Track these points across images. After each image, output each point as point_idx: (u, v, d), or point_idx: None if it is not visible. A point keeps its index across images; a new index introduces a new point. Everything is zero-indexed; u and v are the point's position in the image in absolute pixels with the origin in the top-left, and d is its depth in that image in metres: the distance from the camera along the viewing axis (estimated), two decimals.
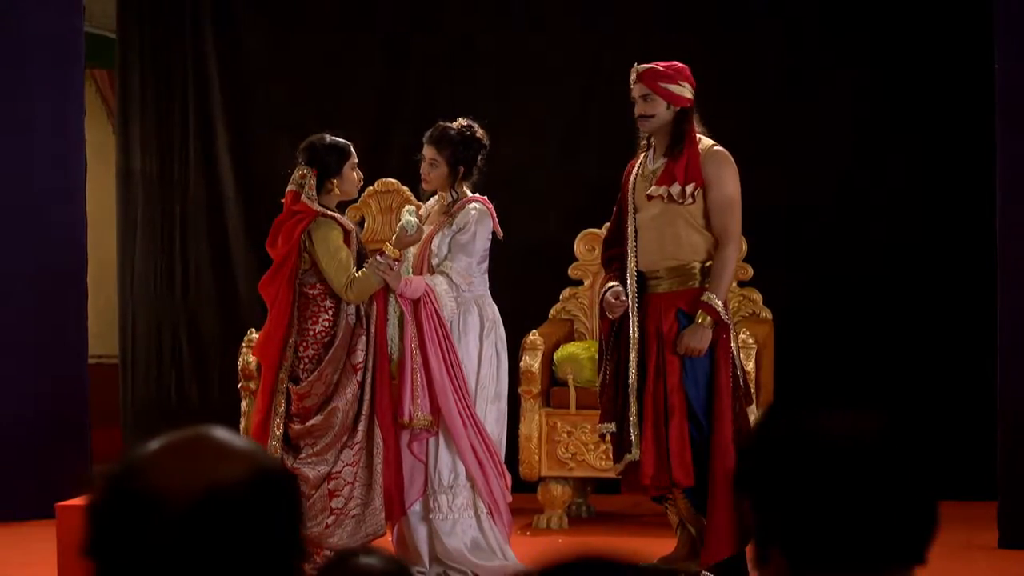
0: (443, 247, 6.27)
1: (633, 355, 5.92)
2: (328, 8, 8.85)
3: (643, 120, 6.00)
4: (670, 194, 5.91)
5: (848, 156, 8.16)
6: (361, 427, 6.05)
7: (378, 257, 6.09)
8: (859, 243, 8.12)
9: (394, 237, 6.22)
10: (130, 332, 9.08)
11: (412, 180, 8.35)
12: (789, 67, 8.25)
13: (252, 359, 7.65)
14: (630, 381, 5.94)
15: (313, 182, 6.11)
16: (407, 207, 6.45)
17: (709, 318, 5.79)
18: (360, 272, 6.06)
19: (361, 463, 6.05)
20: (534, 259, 8.16)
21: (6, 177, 7.66)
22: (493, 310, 6.35)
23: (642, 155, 6.12)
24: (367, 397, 6.07)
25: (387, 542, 6.20)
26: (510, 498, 6.34)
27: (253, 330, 7.83)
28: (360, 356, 6.06)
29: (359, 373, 6.06)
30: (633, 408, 5.91)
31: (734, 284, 7.20)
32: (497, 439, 6.31)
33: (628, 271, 5.99)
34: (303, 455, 6.00)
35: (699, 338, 5.79)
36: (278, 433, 6.05)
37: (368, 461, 6.06)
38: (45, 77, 7.74)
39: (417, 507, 6.19)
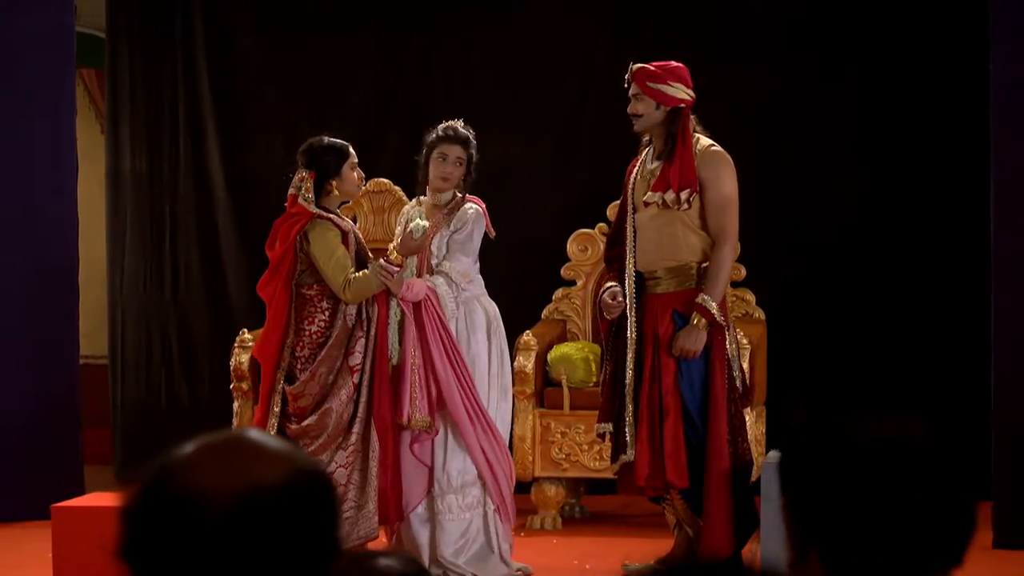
0: (442, 247, 6.28)
1: (630, 356, 5.93)
2: (320, 8, 8.83)
3: (634, 119, 6.05)
4: (664, 201, 5.92)
5: (842, 156, 8.17)
6: (356, 429, 6.04)
7: (381, 261, 6.08)
8: (853, 243, 8.13)
9: (398, 241, 6.20)
10: (119, 332, 9.05)
11: (405, 180, 8.34)
12: (784, 67, 8.24)
13: (244, 359, 7.63)
14: (627, 382, 5.95)
15: (311, 184, 6.12)
16: (419, 211, 6.37)
17: (704, 320, 5.79)
18: (360, 273, 6.05)
19: (355, 465, 6.03)
20: (527, 259, 8.15)
21: None
22: (494, 308, 6.37)
23: (643, 154, 6.12)
24: (363, 399, 6.06)
25: (379, 544, 6.17)
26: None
27: (245, 330, 7.81)
28: (358, 358, 6.05)
29: (355, 375, 6.05)
30: (630, 408, 5.92)
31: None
32: (505, 436, 6.33)
33: (627, 271, 6.00)
34: None
35: (693, 340, 5.80)
36: (273, 433, 6.04)
37: (363, 464, 6.04)
38: (37, 76, 7.71)
39: (420, 509, 6.17)
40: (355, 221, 8.32)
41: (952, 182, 7.98)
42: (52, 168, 7.78)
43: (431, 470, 6.17)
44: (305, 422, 6.04)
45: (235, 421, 7.70)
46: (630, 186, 6.14)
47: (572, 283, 8.05)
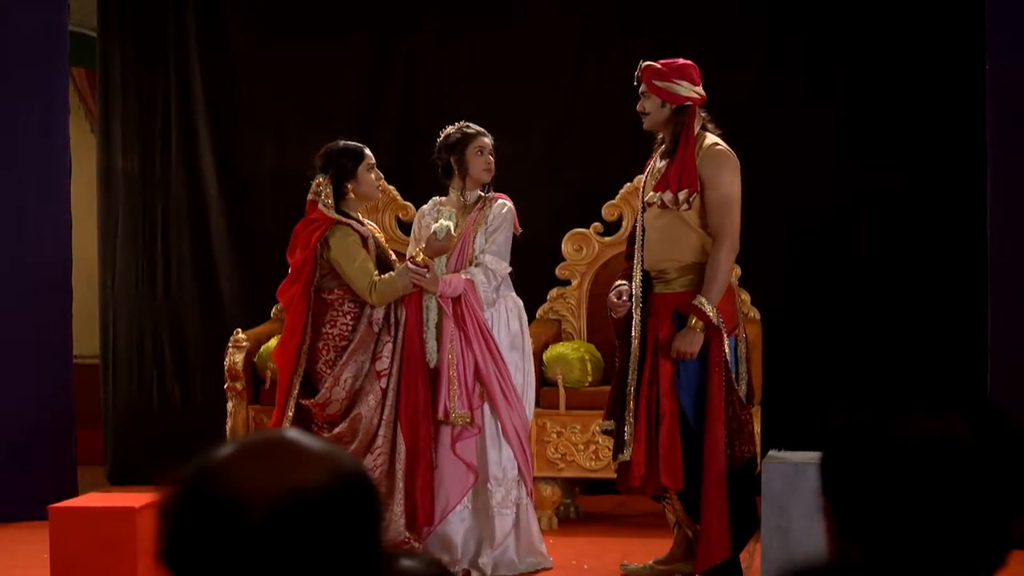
0: (483, 244, 6.31)
1: (634, 355, 5.93)
2: (313, 8, 8.81)
3: (642, 117, 6.03)
4: (663, 201, 5.91)
5: (838, 156, 8.17)
6: (382, 433, 6.02)
7: (408, 263, 6.05)
8: (848, 243, 8.13)
9: (424, 243, 6.17)
10: (111, 332, 9.02)
11: (397, 180, 8.33)
12: (777, 66, 8.25)
13: (239, 359, 7.62)
14: (628, 381, 5.95)
15: (329, 189, 6.10)
16: (450, 211, 6.33)
17: (700, 322, 5.77)
18: (386, 275, 6.05)
19: (382, 469, 6.01)
20: (521, 259, 8.10)
21: None
22: (520, 303, 6.49)
23: (656, 152, 6.12)
24: (389, 403, 6.04)
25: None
26: None
27: (239, 330, 7.80)
28: (385, 363, 6.04)
29: (383, 380, 6.04)
30: (631, 408, 5.92)
31: None
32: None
33: (634, 270, 6.00)
34: None
35: (689, 342, 5.77)
36: (290, 414, 6.05)
37: (390, 468, 6.02)
38: (29, 75, 7.68)
39: (459, 508, 6.14)
40: None
41: (949, 182, 7.98)
42: (45, 168, 7.75)
43: (472, 468, 6.13)
44: (336, 430, 6.02)
45: (229, 421, 7.68)
46: (642, 184, 6.15)
47: (567, 283, 8.04)
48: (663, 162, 5.99)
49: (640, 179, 6.47)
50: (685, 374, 5.82)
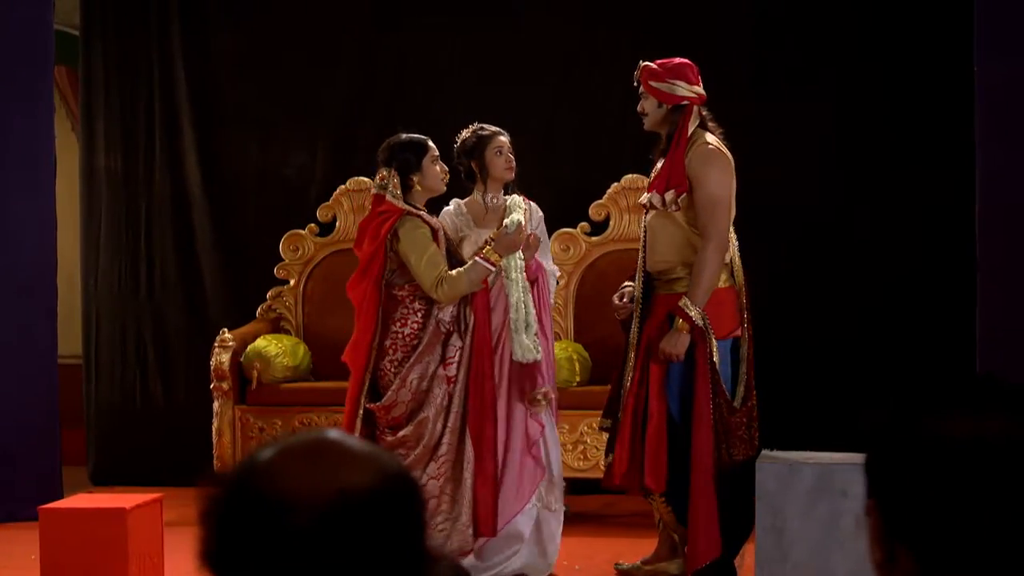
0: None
1: (631, 356, 5.93)
2: (297, 6, 8.78)
3: (642, 118, 6.01)
4: (651, 203, 5.92)
5: (826, 156, 8.18)
6: (446, 440, 5.90)
7: (478, 258, 5.94)
8: (837, 243, 8.14)
9: (493, 241, 6.01)
10: (94, 332, 8.98)
11: None
12: (767, 66, 8.25)
13: (225, 359, 7.60)
14: (624, 382, 5.95)
15: (397, 181, 5.97)
16: (518, 204, 6.22)
17: (685, 323, 5.76)
18: (454, 271, 5.91)
19: (447, 475, 5.90)
20: None
21: None
22: None
23: (657, 153, 6.11)
24: (455, 410, 5.91)
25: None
26: None
27: (225, 330, 7.78)
28: (454, 369, 5.93)
29: (451, 385, 5.92)
30: (623, 408, 5.93)
31: None
32: None
33: (637, 271, 6.01)
34: None
35: (674, 343, 5.75)
36: (360, 412, 5.95)
37: (456, 475, 5.91)
38: (13, 73, 7.63)
39: (527, 507, 6.09)
40: (335, 221, 8.31)
41: (937, 181, 8.00)
42: (30, 167, 7.70)
43: (542, 465, 6.09)
44: (401, 432, 5.92)
45: (215, 422, 7.67)
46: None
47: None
48: (660, 163, 5.99)
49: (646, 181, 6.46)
50: (672, 376, 5.82)
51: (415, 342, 5.94)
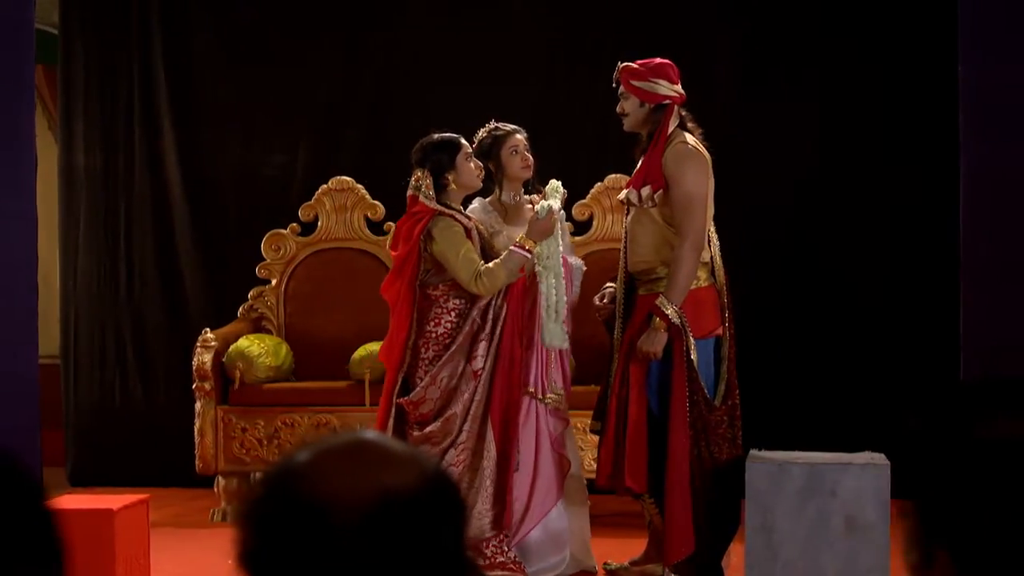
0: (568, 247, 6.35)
1: (615, 357, 5.94)
2: (278, 5, 8.75)
3: (622, 118, 6.01)
4: (628, 199, 5.93)
5: (812, 156, 8.20)
6: (467, 428, 5.92)
7: (512, 248, 5.94)
8: (820, 244, 8.17)
9: (527, 230, 6.01)
10: (72, 332, 8.93)
11: (366, 178, 8.30)
12: (752, 67, 8.27)
13: (207, 359, 7.56)
14: (610, 383, 5.96)
15: (430, 181, 5.97)
16: (555, 189, 6.18)
17: (662, 322, 5.77)
18: (491, 263, 5.92)
19: (466, 464, 5.92)
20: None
21: None
22: None
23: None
24: (478, 399, 5.94)
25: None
26: None
27: (208, 330, 7.75)
28: (479, 363, 5.94)
29: (478, 379, 5.94)
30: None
31: None
32: None
33: (619, 272, 6.02)
34: None
35: (651, 342, 5.76)
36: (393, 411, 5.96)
37: (475, 463, 5.93)
38: None
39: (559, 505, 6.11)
40: (316, 220, 8.28)
41: (920, 182, 8.03)
42: (10, 165, 7.63)
43: (567, 460, 6.12)
44: (428, 428, 5.93)
45: (197, 422, 7.63)
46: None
47: None
48: (640, 161, 6.00)
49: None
50: (652, 375, 5.83)
51: (448, 341, 5.97)
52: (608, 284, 6.10)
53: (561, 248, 6.10)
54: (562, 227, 6.18)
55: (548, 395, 6.06)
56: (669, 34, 8.12)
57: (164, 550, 6.35)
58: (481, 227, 6.16)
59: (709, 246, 5.94)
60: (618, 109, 6.00)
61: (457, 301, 5.99)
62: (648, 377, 5.82)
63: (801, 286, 8.14)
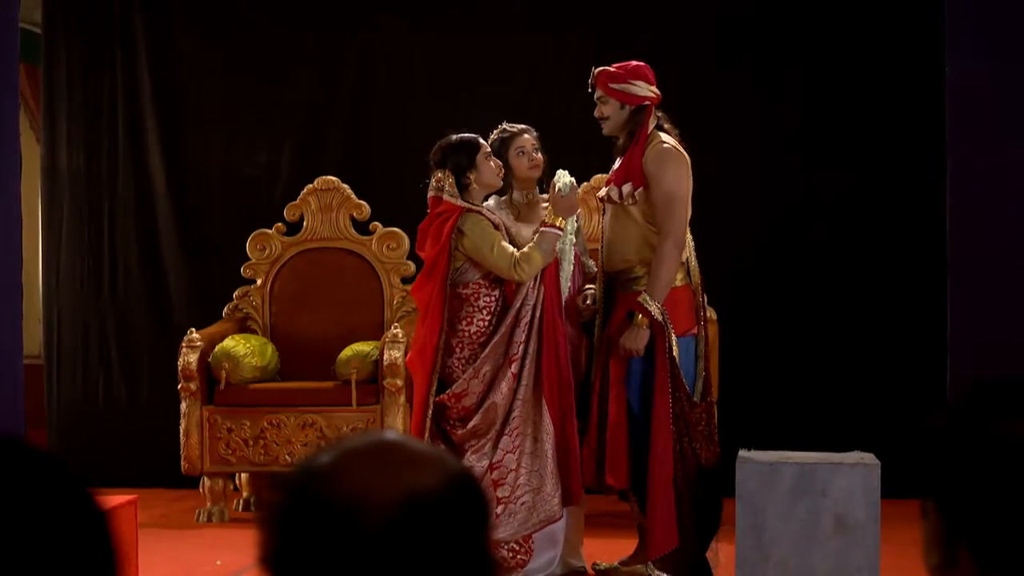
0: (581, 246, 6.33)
1: (596, 357, 5.96)
2: (262, 5, 8.74)
3: (602, 123, 6.03)
4: (609, 196, 5.96)
5: (797, 157, 8.21)
6: (517, 412, 5.90)
7: (541, 227, 5.95)
8: (807, 243, 8.18)
9: (551, 209, 6.02)
10: (55, 332, 8.90)
11: (351, 178, 8.29)
12: (737, 67, 8.28)
13: (193, 359, 7.54)
14: (590, 382, 5.98)
15: (452, 181, 5.97)
16: (564, 173, 6.18)
17: (644, 318, 5.79)
18: (525, 248, 5.92)
19: (523, 449, 5.90)
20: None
21: None
22: None
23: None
24: (524, 383, 5.91)
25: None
26: None
27: (193, 330, 7.72)
28: (516, 348, 5.92)
29: (514, 364, 5.91)
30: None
31: None
32: None
33: (598, 272, 6.05)
34: (465, 455, 5.86)
35: (633, 339, 5.80)
36: (428, 440, 5.89)
37: (533, 447, 5.90)
38: None
39: None
40: (302, 220, 8.26)
41: (908, 182, 8.05)
42: None
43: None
44: (471, 424, 5.91)
45: (183, 422, 7.61)
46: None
47: None
48: (618, 161, 6.03)
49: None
50: (632, 372, 5.85)
51: (483, 339, 5.95)
52: (588, 286, 6.12)
53: (576, 246, 6.12)
54: (578, 226, 6.17)
55: None
56: (651, 35, 8.13)
57: (151, 551, 6.33)
58: (506, 222, 6.16)
59: (686, 247, 5.96)
60: (596, 113, 6.03)
61: (488, 299, 5.98)
62: (629, 374, 5.85)
63: (789, 287, 8.15)
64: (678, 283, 5.92)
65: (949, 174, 6.96)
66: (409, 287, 8.06)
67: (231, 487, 7.86)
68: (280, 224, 8.27)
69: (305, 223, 8.26)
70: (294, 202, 8.29)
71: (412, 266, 8.06)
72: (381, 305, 8.10)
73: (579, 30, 8.39)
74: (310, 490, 1.59)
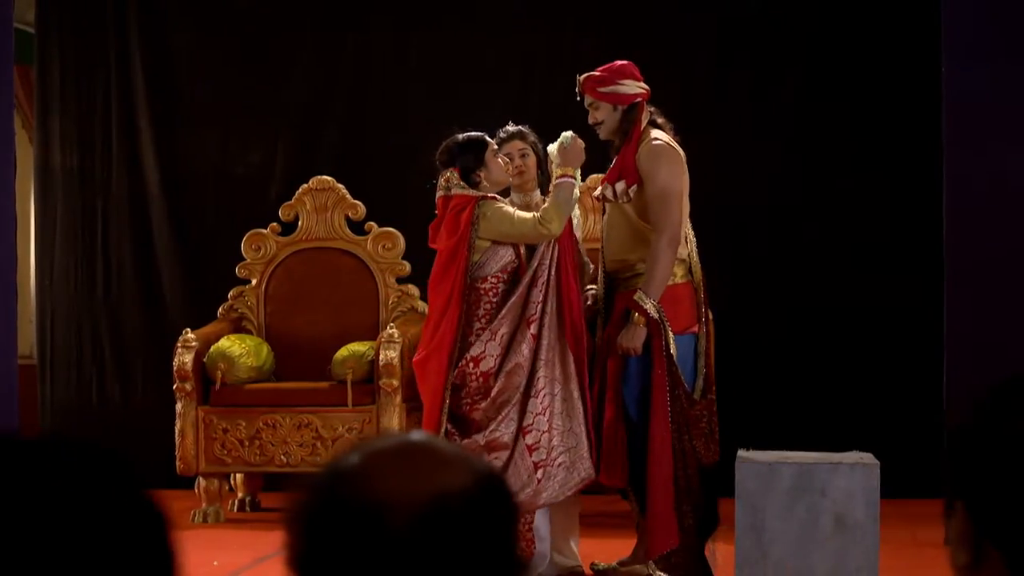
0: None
1: (598, 356, 5.96)
2: (257, 4, 8.72)
3: (597, 128, 6.03)
4: (604, 195, 5.96)
5: (794, 158, 8.22)
6: (541, 373, 5.83)
7: (556, 180, 5.91)
8: (802, 243, 8.18)
9: (556, 161, 5.99)
10: (48, 332, 8.88)
11: (345, 177, 8.28)
12: (728, 66, 8.28)
13: (188, 359, 7.52)
14: (592, 381, 5.97)
15: (458, 178, 5.94)
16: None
17: (641, 316, 5.78)
18: (544, 206, 5.88)
19: (553, 409, 5.83)
20: None
21: None
22: None
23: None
24: (545, 342, 5.85)
25: None
26: None
27: (188, 330, 7.70)
28: (533, 309, 5.86)
29: (533, 325, 5.86)
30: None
31: None
32: None
33: (599, 272, 6.04)
34: (489, 428, 5.80)
35: (631, 337, 5.79)
36: (444, 430, 5.82)
37: (563, 406, 5.84)
38: None
39: None
40: (297, 220, 8.25)
41: (904, 182, 8.06)
42: None
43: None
44: (494, 390, 5.81)
45: (178, 423, 7.59)
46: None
47: None
48: (614, 160, 6.03)
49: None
50: (629, 371, 5.85)
51: (493, 310, 5.89)
52: (590, 287, 6.11)
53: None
54: (576, 223, 6.19)
55: None
56: (648, 34, 8.13)
57: None
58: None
59: (686, 243, 5.96)
60: (591, 120, 6.04)
61: (500, 290, 5.94)
62: (626, 375, 5.83)
63: (787, 287, 8.15)
64: (680, 280, 5.90)
65: (945, 176, 6.98)
66: (404, 287, 8.07)
67: (226, 488, 7.84)
68: (275, 224, 8.25)
69: (300, 223, 8.24)
70: (289, 202, 8.27)
71: (407, 266, 8.04)
72: (376, 305, 8.09)
73: (578, 30, 8.39)
74: (338, 491, 1.58)
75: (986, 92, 6.80)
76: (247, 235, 8.22)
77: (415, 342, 7.52)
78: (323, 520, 1.58)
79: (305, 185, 8.26)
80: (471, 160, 5.99)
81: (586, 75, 5.99)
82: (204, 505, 7.60)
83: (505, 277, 5.96)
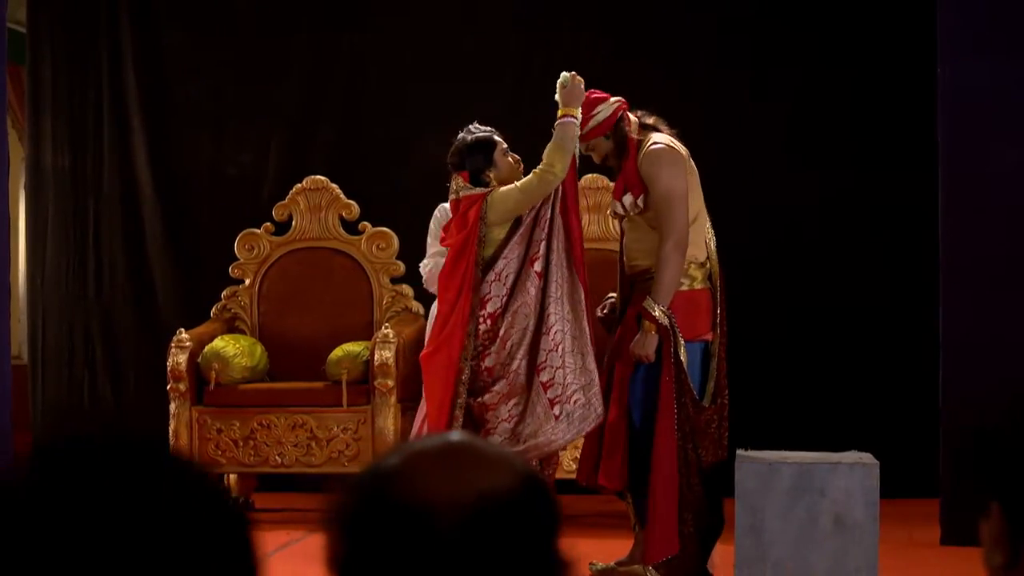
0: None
1: (609, 358, 5.96)
2: (249, 3, 8.70)
3: (606, 163, 6.05)
4: (615, 211, 5.97)
5: (790, 158, 8.23)
6: (551, 310, 5.79)
7: (558, 122, 5.90)
8: (803, 243, 8.20)
9: (560, 103, 5.98)
10: (39, 332, 8.86)
11: (339, 177, 8.27)
12: (725, 67, 8.28)
13: (182, 360, 7.50)
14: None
15: (464, 182, 5.94)
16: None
17: (651, 324, 5.77)
18: (546, 149, 5.87)
19: (565, 346, 5.80)
20: None
21: None
22: None
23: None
24: (554, 279, 5.83)
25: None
26: None
27: (183, 330, 7.69)
28: (537, 247, 5.84)
29: (537, 263, 5.83)
30: None
31: None
32: None
33: (619, 278, 6.05)
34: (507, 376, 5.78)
35: (642, 344, 5.76)
36: (460, 401, 5.79)
37: (573, 345, 5.81)
38: None
39: None
40: (291, 220, 8.23)
41: (901, 183, 8.07)
42: None
43: None
44: (501, 332, 5.79)
45: (172, 423, 7.58)
46: None
47: None
48: (618, 175, 6.04)
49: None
50: (636, 376, 5.83)
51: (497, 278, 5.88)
52: (610, 295, 6.11)
53: None
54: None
55: None
56: (645, 34, 8.14)
57: None
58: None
59: (706, 245, 5.93)
60: (597, 161, 6.05)
61: (508, 275, 5.90)
62: (632, 382, 5.82)
63: (784, 287, 8.16)
64: (698, 286, 5.87)
65: (941, 174, 6.99)
66: (399, 287, 8.06)
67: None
68: (269, 224, 8.24)
69: (294, 223, 8.23)
70: (283, 202, 8.26)
71: (402, 266, 8.03)
72: (370, 305, 8.08)
73: (572, 29, 8.38)
74: (381, 492, 1.57)
75: (982, 91, 6.82)
76: (240, 235, 8.21)
77: (409, 342, 7.52)
78: (367, 522, 1.58)
79: (299, 185, 8.25)
80: (480, 161, 5.98)
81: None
82: None
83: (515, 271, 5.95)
